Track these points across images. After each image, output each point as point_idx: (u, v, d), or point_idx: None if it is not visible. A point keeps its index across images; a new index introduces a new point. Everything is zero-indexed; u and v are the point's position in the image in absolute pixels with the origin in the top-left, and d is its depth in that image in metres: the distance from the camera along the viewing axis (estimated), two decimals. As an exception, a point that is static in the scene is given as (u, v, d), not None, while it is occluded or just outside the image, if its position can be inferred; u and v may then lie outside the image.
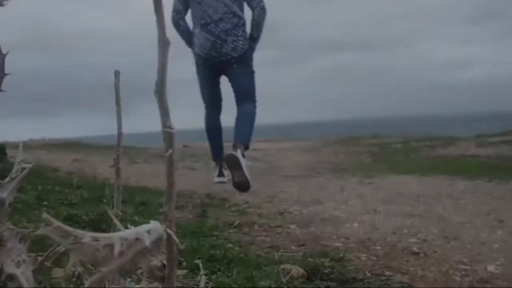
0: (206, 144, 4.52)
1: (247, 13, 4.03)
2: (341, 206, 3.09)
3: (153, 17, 0.56)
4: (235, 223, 2.53)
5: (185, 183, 4.10)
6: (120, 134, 0.86)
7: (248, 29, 4.01)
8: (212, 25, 3.84)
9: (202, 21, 3.88)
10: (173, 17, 4.00)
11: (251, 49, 4.03)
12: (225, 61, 3.89)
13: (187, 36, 4.05)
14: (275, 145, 7.16)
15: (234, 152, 3.61)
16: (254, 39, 4.01)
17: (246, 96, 3.99)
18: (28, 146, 7.16)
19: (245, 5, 4.02)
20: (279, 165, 5.50)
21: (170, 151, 0.59)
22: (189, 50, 4.15)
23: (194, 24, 4.02)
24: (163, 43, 0.57)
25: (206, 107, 4.18)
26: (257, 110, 4.04)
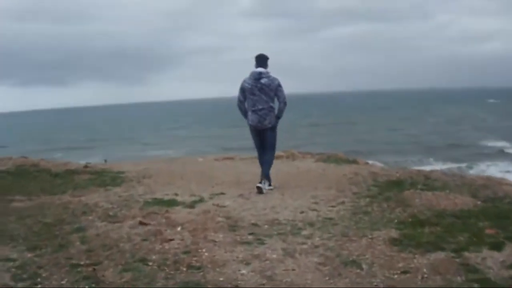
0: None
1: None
2: None
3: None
4: None
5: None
6: None
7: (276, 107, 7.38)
8: (259, 111, 7.17)
9: (253, 108, 7.20)
10: (238, 103, 7.36)
11: (277, 122, 7.38)
12: (264, 129, 7.29)
13: (244, 113, 7.38)
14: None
15: (260, 185, 6.95)
16: (278, 117, 7.36)
17: (271, 147, 7.45)
18: None
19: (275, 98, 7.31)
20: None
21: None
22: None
23: (248, 107, 7.30)
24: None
25: (257, 150, 7.56)
26: (274, 151, 7.57)
